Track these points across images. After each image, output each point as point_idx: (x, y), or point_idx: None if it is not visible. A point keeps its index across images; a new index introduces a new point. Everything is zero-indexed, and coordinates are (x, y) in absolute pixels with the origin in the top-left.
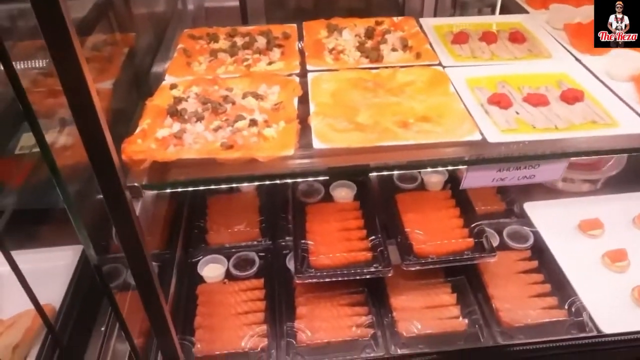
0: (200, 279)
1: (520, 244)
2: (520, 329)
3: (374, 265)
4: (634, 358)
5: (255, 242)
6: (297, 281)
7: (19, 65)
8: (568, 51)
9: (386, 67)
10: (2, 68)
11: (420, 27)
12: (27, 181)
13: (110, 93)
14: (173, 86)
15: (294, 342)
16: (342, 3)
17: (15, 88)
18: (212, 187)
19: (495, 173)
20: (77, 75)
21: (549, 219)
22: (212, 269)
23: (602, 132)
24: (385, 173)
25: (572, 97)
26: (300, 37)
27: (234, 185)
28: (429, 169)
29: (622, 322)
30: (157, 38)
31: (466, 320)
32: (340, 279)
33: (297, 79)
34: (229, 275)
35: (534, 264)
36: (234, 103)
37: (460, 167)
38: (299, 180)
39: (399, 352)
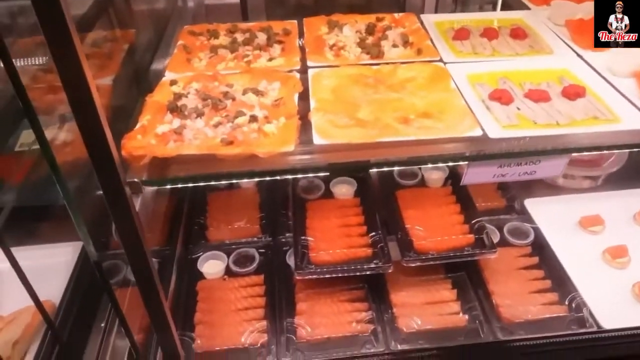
0: (200, 275)
1: (521, 240)
2: (521, 324)
3: (374, 262)
4: (635, 354)
5: (255, 239)
6: (297, 277)
7: (19, 63)
8: (569, 47)
9: (387, 64)
10: (1, 65)
11: (421, 23)
12: (27, 178)
13: (110, 89)
14: (173, 82)
15: (294, 338)
16: None
17: (15, 85)
18: (212, 183)
19: (496, 169)
20: (77, 72)
21: (549, 215)
22: (212, 266)
23: (603, 127)
24: (385, 169)
25: (573, 93)
26: (301, 34)
27: (234, 181)
28: (430, 165)
29: (622, 318)
30: (157, 35)
31: (466, 316)
32: (340, 275)
33: (298, 75)
34: (229, 272)
35: (535, 260)
36: (234, 99)
37: (461, 163)
38: (299, 176)
39: (399, 347)
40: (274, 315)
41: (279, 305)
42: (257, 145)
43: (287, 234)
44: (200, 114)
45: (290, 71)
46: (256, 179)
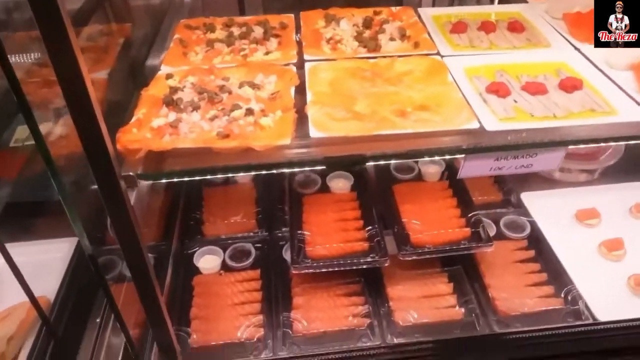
0: (196, 270)
1: (517, 233)
2: (517, 317)
3: (371, 256)
4: (630, 346)
5: (251, 234)
6: (294, 271)
7: (13, 58)
8: (567, 40)
9: (384, 57)
10: None
11: (419, 17)
12: (21, 174)
13: (105, 83)
14: (169, 76)
15: (291, 332)
16: None
17: (10, 81)
18: (208, 177)
19: (493, 162)
20: (72, 67)
21: (545, 208)
22: (208, 261)
23: (600, 120)
24: (382, 162)
25: (570, 85)
26: (298, 27)
27: (230, 175)
28: (427, 159)
29: (618, 311)
30: (154, 29)
31: (463, 310)
32: (336, 269)
33: (294, 69)
34: (225, 267)
35: (531, 253)
36: (230, 92)
37: (458, 156)
38: (296, 170)
39: (395, 341)
40: (270, 309)
41: (275, 299)
42: (253, 139)
43: (284, 229)
44: (196, 108)
45: (287, 65)
46: (252, 173)
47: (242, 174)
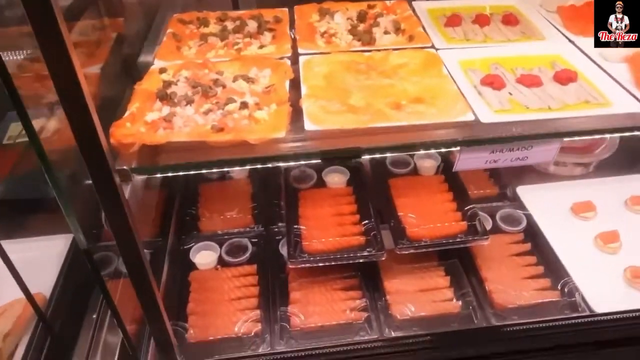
0: (193, 266)
1: (513, 227)
2: (514, 310)
3: (367, 249)
4: (626, 337)
5: (247, 229)
6: (290, 266)
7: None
8: (562, 33)
9: (379, 50)
10: None
11: (413, 10)
12: (15, 171)
13: (98, 78)
14: (162, 70)
15: (288, 327)
16: None
17: (3, 78)
18: (204, 172)
19: (488, 155)
20: (65, 62)
21: (541, 202)
22: (204, 256)
23: (595, 111)
24: (377, 156)
25: (565, 77)
26: (292, 21)
27: (226, 170)
28: (422, 152)
29: (614, 302)
30: (146, 23)
31: (460, 303)
32: (333, 263)
33: (289, 63)
34: (221, 262)
35: (527, 246)
36: (224, 86)
37: (453, 149)
38: (292, 164)
39: (393, 334)
40: (268, 304)
41: (273, 294)
42: (248, 132)
43: (280, 224)
44: (190, 102)
45: (281, 59)
46: (247, 167)
47: (237, 168)
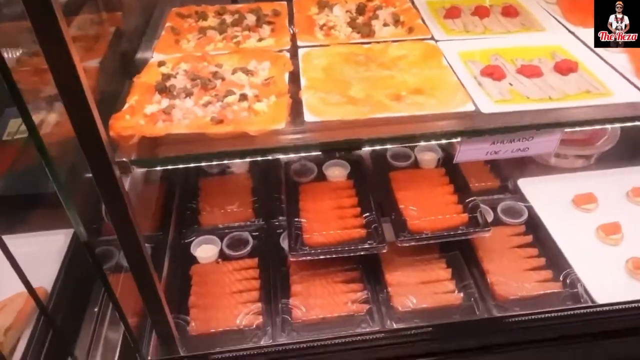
0: (194, 260)
1: (515, 219)
2: (515, 301)
3: (369, 242)
4: (628, 327)
5: (248, 223)
6: (291, 259)
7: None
8: (562, 24)
9: (378, 42)
10: None
11: (412, 2)
12: (15, 167)
13: (97, 71)
14: (161, 63)
15: (290, 319)
16: None
17: (3, 74)
18: (203, 165)
19: (489, 146)
20: (64, 57)
21: (543, 194)
22: (205, 250)
23: (596, 101)
24: (378, 148)
25: (566, 68)
26: (291, 15)
27: (226, 162)
28: (422, 144)
29: (616, 293)
30: (145, 17)
31: (461, 294)
32: (334, 255)
33: (288, 55)
34: (222, 256)
35: (529, 238)
36: (223, 79)
37: (454, 140)
38: (292, 156)
39: (395, 326)
40: (269, 297)
41: (274, 287)
42: (247, 124)
43: (281, 218)
44: (189, 94)
45: (280, 51)
46: (248, 160)
47: (237, 160)
